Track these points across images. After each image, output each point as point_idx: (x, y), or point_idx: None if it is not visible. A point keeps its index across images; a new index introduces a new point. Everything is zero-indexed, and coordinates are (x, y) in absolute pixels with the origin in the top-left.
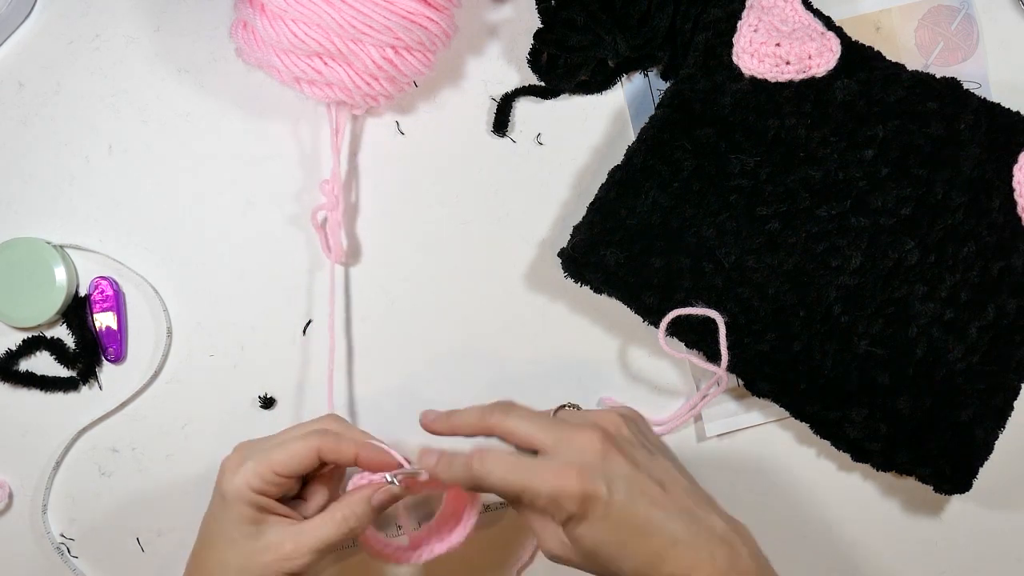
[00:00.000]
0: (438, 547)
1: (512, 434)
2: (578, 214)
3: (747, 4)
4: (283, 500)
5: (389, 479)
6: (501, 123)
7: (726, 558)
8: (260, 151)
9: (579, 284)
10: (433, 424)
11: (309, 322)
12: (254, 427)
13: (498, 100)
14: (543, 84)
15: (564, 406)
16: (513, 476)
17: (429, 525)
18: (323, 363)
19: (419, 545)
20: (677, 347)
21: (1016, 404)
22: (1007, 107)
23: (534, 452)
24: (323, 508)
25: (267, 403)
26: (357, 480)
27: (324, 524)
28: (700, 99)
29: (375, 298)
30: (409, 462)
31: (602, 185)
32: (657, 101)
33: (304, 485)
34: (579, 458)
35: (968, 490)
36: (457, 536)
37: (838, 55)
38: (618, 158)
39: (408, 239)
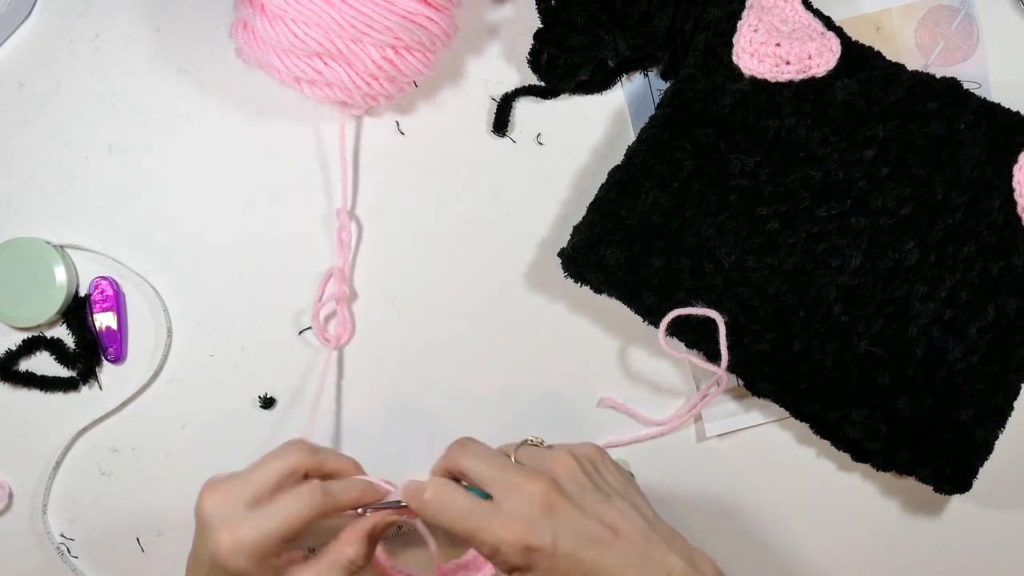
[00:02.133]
0: None
1: (465, 475)
2: (578, 214)
3: (747, 4)
4: None
5: (361, 512)
6: (501, 123)
7: None
8: (260, 151)
9: (579, 284)
10: (408, 500)
11: (308, 327)
12: (254, 427)
13: (498, 100)
14: (543, 84)
15: (527, 440)
16: (462, 520)
17: (458, 562)
18: (323, 363)
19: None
20: (677, 347)
21: (1016, 404)
22: (1007, 107)
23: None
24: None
25: (267, 403)
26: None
27: (330, 565)
28: (700, 99)
29: (375, 298)
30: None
31: (602, 185)
32: (657, 101)
33: None
34: (526, 509)
35: (968, 490)
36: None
37: (838, 55)
38: (618, 158)
39: (408, 239)
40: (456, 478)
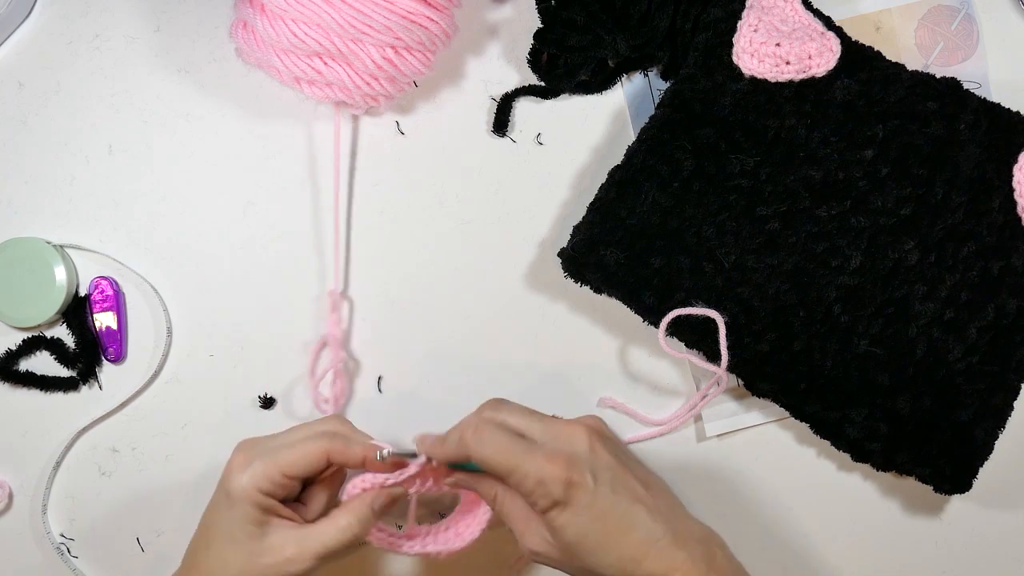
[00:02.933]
0: (432, 545)
1: (504, 425)
2: (578, 214)
3: (747, 4)
4: (284, 502)
5: (380, 456)
6: (501, 123)
7: (704, 559)
8: (260, 151)
9: (579, 284)
10: (429, 452)
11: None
12: (254, 427)
13: (498, 100)
14: (543, 84)
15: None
16: (504, 453)
17: (436, 525)
18: (323, 363)
19: (414, 537)
20: (677, 347)
21: (1016, 404)
22: (1007, 107)
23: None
24: (324, 511)
25: (267, 403)
26: (356, 483)
27: (328, 531)
28: (700, 99)
29: (375, 298)
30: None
31: (602, 185)
32: (657, 101)
33: (304, 488)
34: (568, 448)
35: (968, 490)
36: (454, 540)
37: (838, 55)
38: (618, 158)
39: (408, 239)
40: None
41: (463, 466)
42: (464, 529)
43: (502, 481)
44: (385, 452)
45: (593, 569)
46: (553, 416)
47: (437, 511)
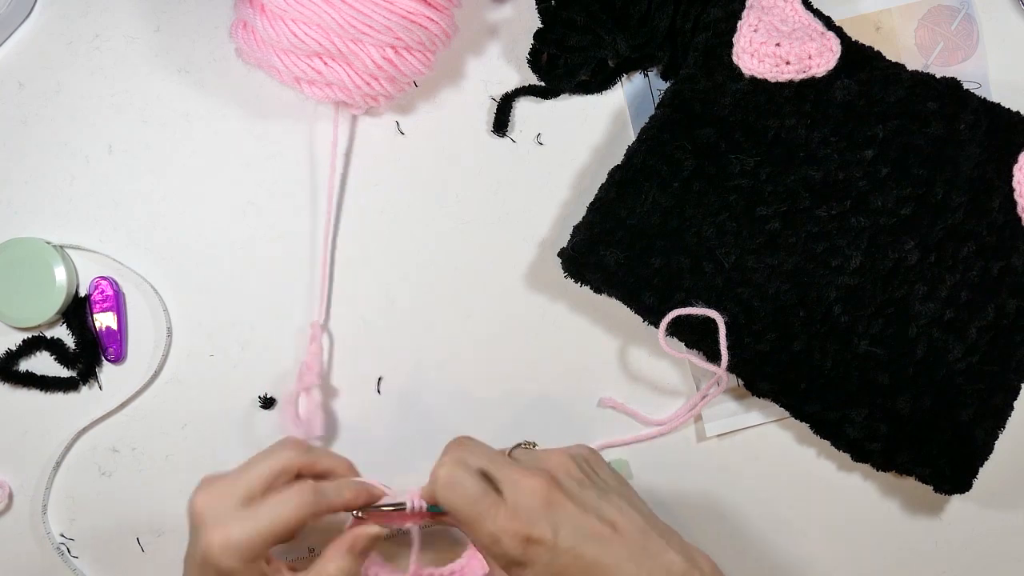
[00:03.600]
0: None
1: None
2: (578, 214)
3: (747, 4)
4: None
5: (356, 515)
6: (501, 123)
7: None
8: (260, 151)
9: (579, 284)
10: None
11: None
12: (254, 427)
13: (498, 100)
14: (543, 84)
15: (520, 444)
16: (469, 504)
17: (440, 569)
18: (323, 363)
19: None
20: (677, 347)
21: (1016, 404)
22: (1007, 107)
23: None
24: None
25: (267, 403)
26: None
27: None
28: (700, 99)
29: (375, 298)
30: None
31: (602, 185)
32: (657, 101)
33: None
34: (527, 502)
35: (968, 490)
36: None
37: (838, 55)
38: (618, 158)
39: (408, 239)
40: None
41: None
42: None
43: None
44: (357, 514)
45: None
46: (522, 444)
47: (449, 559)
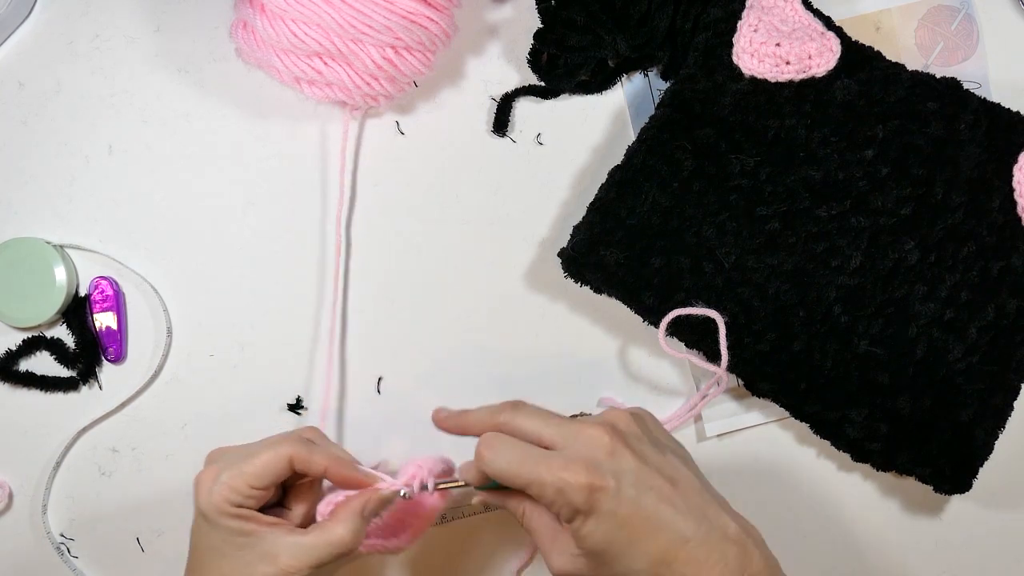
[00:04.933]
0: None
1: (521, 431)
2: (578, 214)
3: (747, 4)
4: (266, 508)
5: (404, 494)
6: (501, 123)
7: (737, 560)
8: (260, 151)
9: (579, 284)
10: (445, 421)
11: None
12: (254, 427)
13: (498, 100)
14: (543, 84)
15: (577, 415)
16: (520, 465)
17: (383, 520)
18: (323, 362)
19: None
20: (677, 347)
21: (1016, 404)
22: (1007, 107)
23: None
24: (307, 515)
25: (296, 407)
26: (329, 500)
27: (320, 542)
28: (700, 99)
29: (375, 298)
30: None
31: (602, 185)
32: (657, 101)
33: (286, 493)
34: (587, 452)
35: (968, 490)
36: (400, 540)
37: (838, 55)
38: (618, 158)
39: (408, 239)
40: None
41: (490, 486)
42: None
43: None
44: (404, 492)
45: (623, 575)
46: (579, 415)
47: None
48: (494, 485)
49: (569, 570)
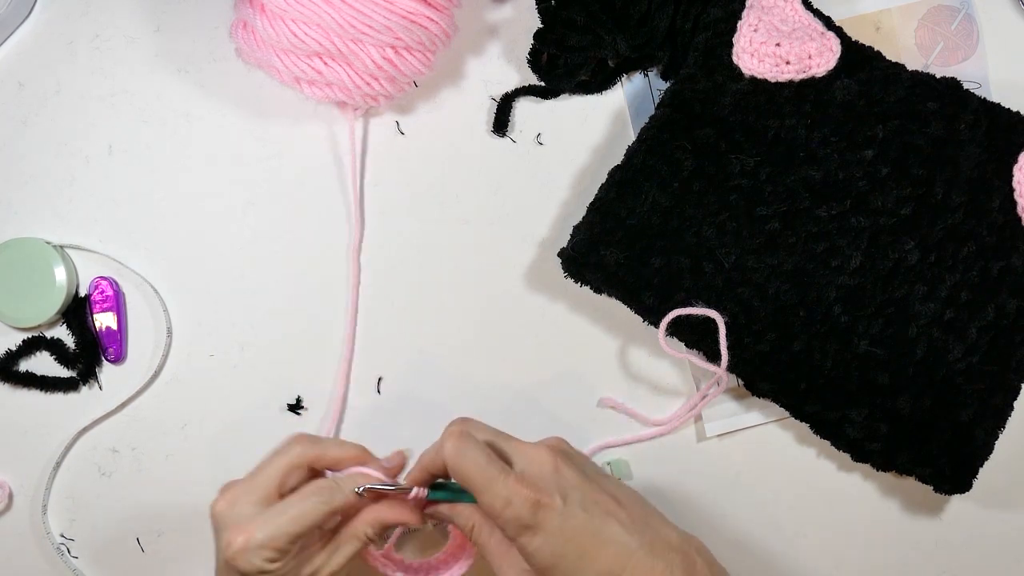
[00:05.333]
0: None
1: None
2: (578, 214)
3: (747, 4)
4: None
5: (358, 492)
6: (501, 123)
7: (682, 567)
8: (260, 151)
9: (579, 284)
10: (409, 480)
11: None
12: (254, 427)
13: (498, 100)
14: (543, 84)
15: None
16: (483, 469)
17: (428, 561)
18: (322, 362)
19: (412, 570)
20: (677, 347)
21: (1016, 404)
22: (1007, 107)
23: None
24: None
25: (295, 407)
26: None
27: (344, 543)
28: (700, 99)
29: (375, 298)
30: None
31: (602, 185)
32: (657, 101)
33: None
34: (534, 469)
35: (968, 490)
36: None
37: (838, 55)
38: (618, 158)
39: (408, 239)
40: None
41: (441, 496)
42: (451, 566)
43: (477, 508)
44: (360, 489)
45: None
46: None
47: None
48: (446, 493)
49: None
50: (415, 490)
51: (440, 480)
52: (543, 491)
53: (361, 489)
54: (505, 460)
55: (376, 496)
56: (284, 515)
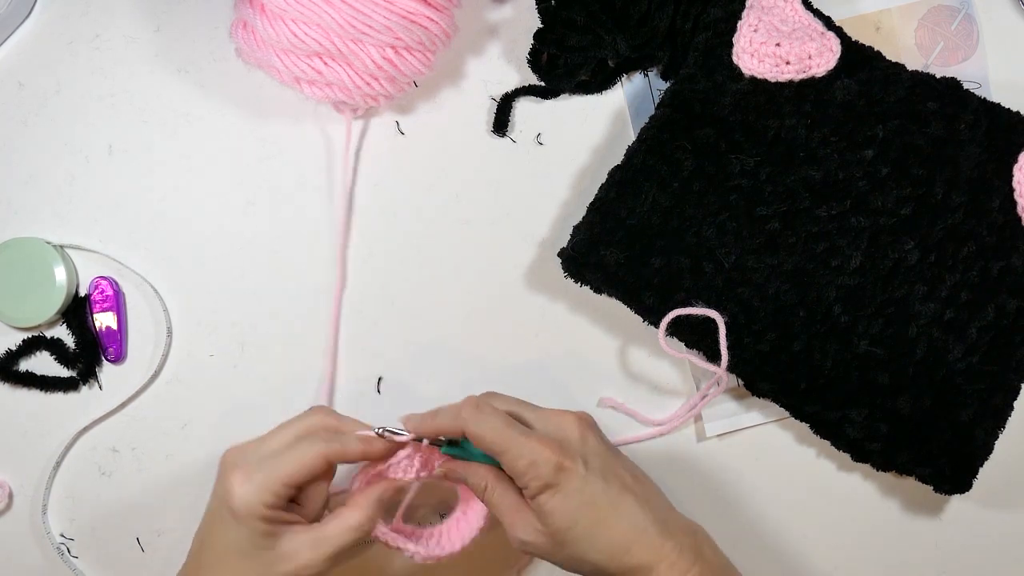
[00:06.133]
0: (432, 548)
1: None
2: (578, 214)
3: (747, 4)
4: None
5: (377, 432)
6: (501, 123)
7: (692, 550)
8: (260, 151)
9: (579, 284)
10: (418, 428)
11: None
12: (254, 427)
13: (498, 100)
14: (543, 84)
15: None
16: (500, 433)
17: (433, 528)
18: (323, 362)
19: (413, 536)
20: (677, 347)
21: (1016, 404)
22: (1007, 107)
23: None
24: (322, 508)
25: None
26: (359, 477)
27: (339, 530)
28: (700, 99)
29: (375, 298)
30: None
31: (602, 185)
32: (657, 101)
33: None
34: (560, 434)
35: (968, 490)
36: (450, 543)
37: (838, 55)
38: (618, 158)
39: (408, 239)
40: None
41: (454, 452)
42: (459, 532)
43: (493, 468)
44: (379, 430)
45: (582, 557)
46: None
47: (438, 512)
48: (461, 453)
49: (532, 541)
50: (425, 441)
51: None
52: (567, 454)
53: (381, 431)
54: (531, 424)
55: (372, 478)
56: (281, 460)
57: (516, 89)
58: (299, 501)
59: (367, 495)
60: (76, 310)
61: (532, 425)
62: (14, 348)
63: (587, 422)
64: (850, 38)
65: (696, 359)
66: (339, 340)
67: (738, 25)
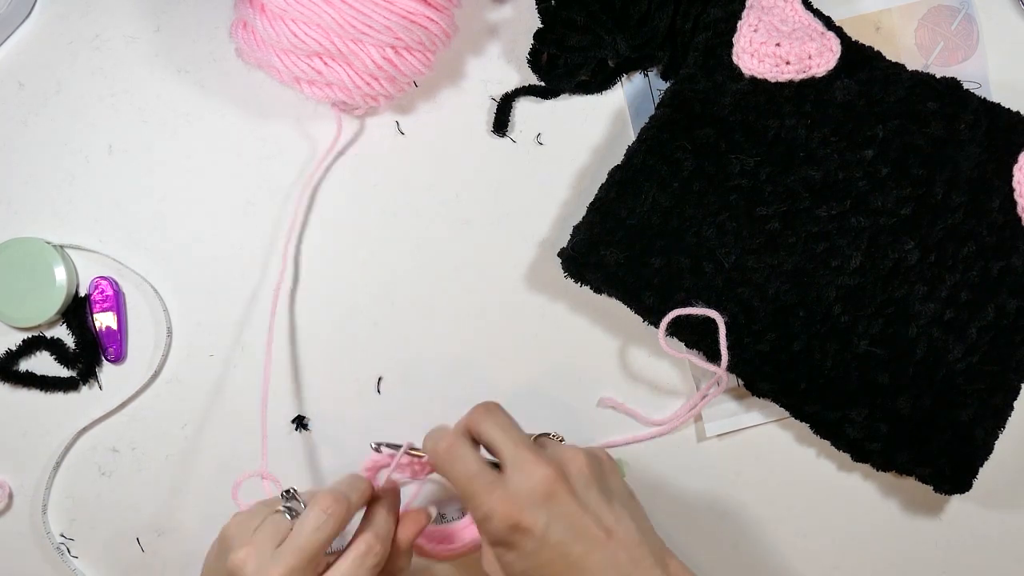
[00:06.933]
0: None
1: (482, 438)
2: (578, 214)
3: (747, 4)
4: None
5: (373, 447)
6: (501, 123)
7: None
8: (260, 151)
9: (579, 284)
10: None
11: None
12: (254, 427)
13: (498, 100)
14: (543, 84)
15: (546, 434)
16: (467, 481)
17: (450, 526)
18: (322, 361)
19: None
20: (677, 347)
21: (1016, 404)
22: (1007, 107)
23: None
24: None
25: (299, 423)
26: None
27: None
28: (700, 99)
29: (375, 298)
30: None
31: (602, 185)
32: (657, 101)
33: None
34: (526, 488)
35: (968, 490)
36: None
37: (838, 55)
38: (618, 158)
39: (408, 239)
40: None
41: None
42: (471, 531)
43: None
44: (375, 444)
45: None
46: (548, 436)
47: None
48: None
49: (491, 573)
50: (425, 457)
51: None
52: (525, 513)
53: (375, 445)
54: (507, 467)
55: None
56: (298, 550)
57: (516, 89)
58: None
59: (376, 532)
60: (76, 310)
61: (505, 468)
62: (14, 348)
63: (564, 476)
64: (850, 38)
65: (696, 359)
66: (340, 341)
67: (738, 25)
